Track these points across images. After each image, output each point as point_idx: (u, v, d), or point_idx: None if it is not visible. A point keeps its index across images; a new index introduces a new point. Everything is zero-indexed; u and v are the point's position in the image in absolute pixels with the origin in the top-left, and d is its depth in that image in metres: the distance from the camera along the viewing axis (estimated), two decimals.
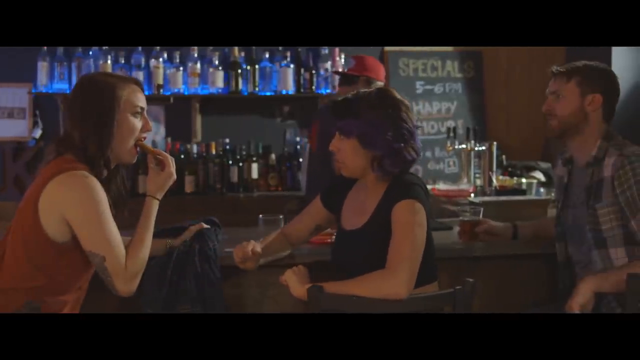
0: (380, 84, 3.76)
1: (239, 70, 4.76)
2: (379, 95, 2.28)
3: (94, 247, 2.09)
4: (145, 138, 2.26)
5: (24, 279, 2.11)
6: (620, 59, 4.53)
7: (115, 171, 2.27)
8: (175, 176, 2.29)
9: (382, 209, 2.25)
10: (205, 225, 2.51)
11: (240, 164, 4.79)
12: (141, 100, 2.22)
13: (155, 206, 2.26)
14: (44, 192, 2.08)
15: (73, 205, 2.08)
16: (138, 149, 2.24)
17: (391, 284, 2.06)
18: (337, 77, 4.12)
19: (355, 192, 2.40)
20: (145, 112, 2.24)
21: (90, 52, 4.66)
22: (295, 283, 2.20)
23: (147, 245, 2.20)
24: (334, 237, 2.51)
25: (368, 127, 2.24)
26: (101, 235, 2.09)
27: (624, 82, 4.55)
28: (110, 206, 2.15)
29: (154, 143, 4.72)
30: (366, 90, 2.34)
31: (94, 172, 2.14)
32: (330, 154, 2.36)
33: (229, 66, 4.76)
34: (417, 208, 2.19)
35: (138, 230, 2.21)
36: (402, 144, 2.25)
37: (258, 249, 2.34)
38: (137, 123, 2.21)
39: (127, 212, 2.31)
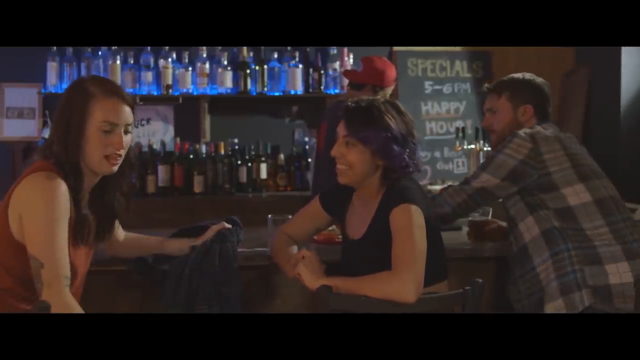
0: (389, 89, 3.75)
1: (248, 71, 4.76)
2: (394, 107, 2.28)
3: (36, 252, 1.99)
4: (119, 155, 2.14)
5: None
6: (630, 58, 4.51)
7: (104, 185, 2.21)
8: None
9: (380, 217, 2.25)
10: (227, 225, 2.48)
11: (249, 164, 4.79)
12: (116, 117, 2.11)
13: None
14: (14, 191, 2.06)
15: (30, 204, 2.02)
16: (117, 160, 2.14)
17: (396, 286, 2.06)
18: (345, 78, 4.11)
19: (356, 200, 2.39)
20: (122, 128, 2.12)
21: (100, 53, 4.68)
22: (310, 276, 2.19)
23: None
24: (341, 236, 2.50)
25: (387, 138, 2.23)
26: (47, 241, 1.99)
27: (634, 81, 4.55)
28: (85, 220, 2.10)
29: (162, 143, 4.74)
30: (377, 99, 2.31)
31: (65, 177, 2.06)
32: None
33: (238, 66, 4.77)
34: (413, 211, 2.17)
35: None
36: (412, 158, 2.27)
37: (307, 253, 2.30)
38: (106, 138, 2.10)
39: (132, 212, 2.29)
